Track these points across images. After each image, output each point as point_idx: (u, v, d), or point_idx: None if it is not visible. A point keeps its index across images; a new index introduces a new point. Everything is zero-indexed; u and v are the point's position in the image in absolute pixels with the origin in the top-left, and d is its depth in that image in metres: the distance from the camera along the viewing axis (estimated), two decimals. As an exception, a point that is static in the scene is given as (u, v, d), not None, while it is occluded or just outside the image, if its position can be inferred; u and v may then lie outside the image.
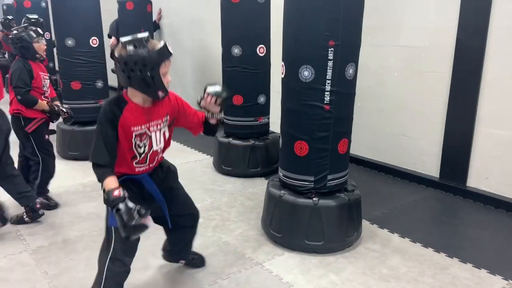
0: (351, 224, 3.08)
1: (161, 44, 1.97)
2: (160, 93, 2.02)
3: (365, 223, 3.42)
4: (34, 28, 3.65)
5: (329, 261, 2.95)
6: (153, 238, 3.25)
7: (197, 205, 3.84)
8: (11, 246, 3.17)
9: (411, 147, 4.44)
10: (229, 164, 4.57)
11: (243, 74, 4.39)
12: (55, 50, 5.81)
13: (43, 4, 7.40)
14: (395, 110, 4.52)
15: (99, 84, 5.11)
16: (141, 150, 2.13)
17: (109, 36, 7.39)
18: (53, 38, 6.26)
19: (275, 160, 4.44)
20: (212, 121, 2.33)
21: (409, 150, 4.46)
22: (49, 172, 3.83)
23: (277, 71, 3.47)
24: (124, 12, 6.64)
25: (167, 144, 2.31)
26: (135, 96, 2.06)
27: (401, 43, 4.34)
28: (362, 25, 2.93)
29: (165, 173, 2.37)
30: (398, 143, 4.56)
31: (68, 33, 4.87)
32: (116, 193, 1.92)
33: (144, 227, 1.92)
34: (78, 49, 4.91)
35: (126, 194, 1.94)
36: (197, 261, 2.89)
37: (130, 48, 1.90)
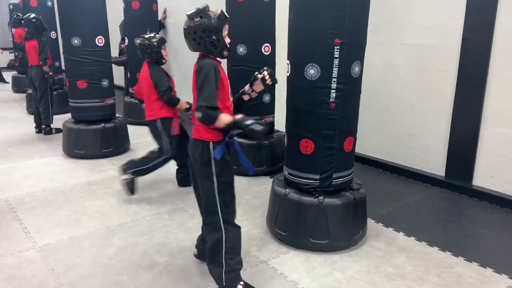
0: (356, 222, 3.08)
1: (219, 11, 2.32)
2: (225, 52, 2.38)
3: (370, 222, 3.42)
4: (160, 36, 3.97)
5: (334, 260, 2.95)
6: (158, 236, 3.28)
7: (203, 204, 3.87)
8: (18, 243, 3.19)
9: (417, 145, 4.43)
10: (234, 163, 4.55)
11: (248, 73, 4.34)
12: (61, 49, 5.86)
13: (49, 4, 7.43)
14: (401, 108, 4.50)
15: (105, 83, 5.13)
16: (231, 99, 2.50)
17: (123, 40, 7.41)
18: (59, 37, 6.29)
19: (280, 159, 4.44)
20: (246, 97, 2.62)
21: (415, 148, 4.45)
22: None
23: (282, 69, 3.48)
24: (130, 11, 6.66)
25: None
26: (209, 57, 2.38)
27: (407, 41, 4.33)
28: (368, 23, 2.93)
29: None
30: (403, 142, 4.55)
31: (74, 32, 4.90)
32: (238, 117, 2.27)
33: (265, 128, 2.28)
34: (84, 48, 4.94)
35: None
36: None
37: (197, 19, 2.27)
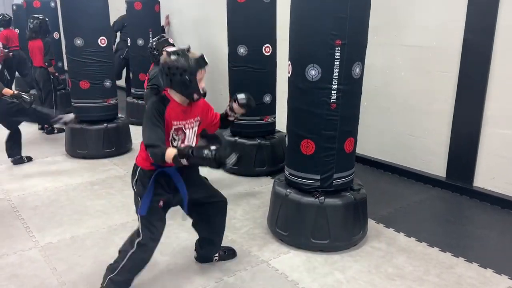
0: (357, 223, 3.09)
1: (199, 55, 2.32)
2: (195, 95, 2.34)
3: (371, 222, 3.43)
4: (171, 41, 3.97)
5: (335, 260, 2.96)
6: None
7: (204, 203, 3.87)
8: (20, 242, 3.21)
9: (418, 146, 4.43)
10: (235, 163, 4.58)
11: (249, 73, 4.41)
12: (63, 49, 5.88)
13: (52, 4, 7.45)
14: (402, 109, 4.51)
15: (107, 83, 5.15)
16: (175, 144, 2.40)
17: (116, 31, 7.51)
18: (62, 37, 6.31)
19: (281, 159, 4.45)
20: (231, 118, 2.68)
21: (416, 149, 4.46)
22: None
23: (283, 70, 3.49)
24: (132, 12, 6.68)
25: (196, 142, 2.58)
26: (176, 96, 2.37)
27: (408, 42, 4.33)
28: (369, 24, 2.94)
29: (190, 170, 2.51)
30: (404, 143, 4.55)
31: (77, 33, 4.92)
32: (183, 146, 2.26)
33: (227, 150, 2.20)
34: (87, 49, 4.96)
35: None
36: (230, 254, 2.99)
37: (174, 57, 2.27)
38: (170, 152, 2.15)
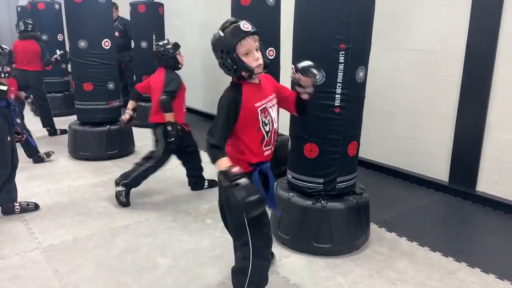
0: (359, 227, 3.08)
1: (231, 26, 1.98)
2: (244, 73, 2.01)
3: (373, 226, 3.42)
4: (174, 42, 3.97)
5: (337, 264, 2.96)
6: (162, 238, 3.30)
7: (206, 206, 3.89)
8: (23, 244, 3.22)
9: (421, 150, 4.43)
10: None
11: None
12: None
13: (57, 6, 7.49)
14: (405, 113, 4.51)
15: (111, 85, 5.17)
16: (267, 128, 2.15)
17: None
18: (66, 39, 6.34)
19: (284, 162, 4.44)
20: (304, 96, 2.25)
21: (419, 153, 4.45)
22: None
23: (286, 74, 3.49)
24: (136, 14, 6.71)
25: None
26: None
27: (411, 46, 4.34)
28: (373, 28, 2.94)
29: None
30: (407, 147, 4.55)
31: (81, 35, 4.94)
32: (235, 169, 1.95)
33: (262, 203, 1.94)
34: (90, 51, 4.98)
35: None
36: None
37: (211, 38, 2.00)
38: (222, 164, 1.97)
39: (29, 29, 5.96)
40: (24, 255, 3.06)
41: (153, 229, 3.45)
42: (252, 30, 1.99)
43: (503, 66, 3.70)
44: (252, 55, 2.00)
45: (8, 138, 3.44)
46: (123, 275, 2.81)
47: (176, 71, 3.96)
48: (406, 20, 4.35)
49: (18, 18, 8.48)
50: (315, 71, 2.17)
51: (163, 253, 3.06)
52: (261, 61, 2.03)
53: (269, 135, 2.18)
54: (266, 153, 2.25)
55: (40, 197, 4.06)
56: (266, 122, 2.13)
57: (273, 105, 2.19)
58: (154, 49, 4.00)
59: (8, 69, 3.44)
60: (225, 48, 1.96)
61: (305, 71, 2.16)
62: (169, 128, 3.75)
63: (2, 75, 3.39)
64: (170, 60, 3.89)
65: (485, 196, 3.92)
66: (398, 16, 4.40)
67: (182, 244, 3.21)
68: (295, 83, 2.23)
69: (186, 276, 2.82)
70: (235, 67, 1.99)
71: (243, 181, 1.91)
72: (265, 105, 2.12)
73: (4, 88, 3.34)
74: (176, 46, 3.94)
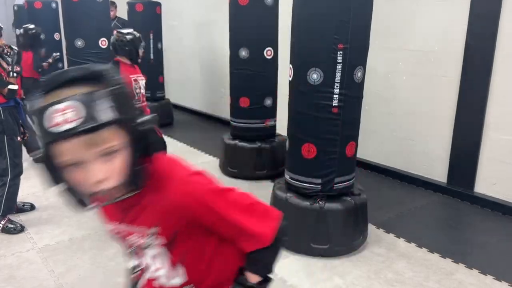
0: (357, 228, 3.07)
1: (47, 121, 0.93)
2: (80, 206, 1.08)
3: (371, 227, 3.41)
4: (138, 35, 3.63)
5: (335, 265, 2.94)
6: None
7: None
8: (18, 244, 3.20)
9: (419, 151, 4.42)
10: (235, 166, 4.58)
11: (250, 76, 4.40)
12: (64, 50, 5.87)
13: (54, 5, 7.46)
14: (403, 114, 4.50)
15: (108, 84, 5.14)
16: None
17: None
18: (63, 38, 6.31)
19: (281, 163, 4.43)
20: None
21: (417, 154, 4.45)
22: None
23: (284, 73, 3.48)
24: (134, 13, 6.69)
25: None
26: None
27: (410, 47, 4.33)
28: (371, 28, 2.93)
29: None
30: (405, 148, 4.54)
31: (78, 34, 4.92)
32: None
33: None
34: (88, 50, 4.96)
35: None
36: None
37: None
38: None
39: (27, 40, 5.57)
40: (19, 255, 3.04)
41: (150, 229, 3.43)
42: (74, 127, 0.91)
43: (502, 67, 3.69)
44: (89, 174, 0.98)
45: (18, 138, 3.41)
46: (119, 276, 2.78)
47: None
48: (405, 21, 4.34)
49: (14, 17, 8.44)
50: None
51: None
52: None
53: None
54: None
55: (36, 197, 4.03)
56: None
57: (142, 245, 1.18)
58: (113, 37, 3.59)
59: (18, 69, 3.43)
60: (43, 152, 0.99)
61: None
62: None
63: (11, 75, 3.36)
64: (131, 51, 3.51)
65: (483, 197, 3.92)
66: (396, 16, 4.40)
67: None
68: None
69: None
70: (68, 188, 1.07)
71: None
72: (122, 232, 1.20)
73: (15, 87, 3.32)
74: (140, 38, 3.61)
